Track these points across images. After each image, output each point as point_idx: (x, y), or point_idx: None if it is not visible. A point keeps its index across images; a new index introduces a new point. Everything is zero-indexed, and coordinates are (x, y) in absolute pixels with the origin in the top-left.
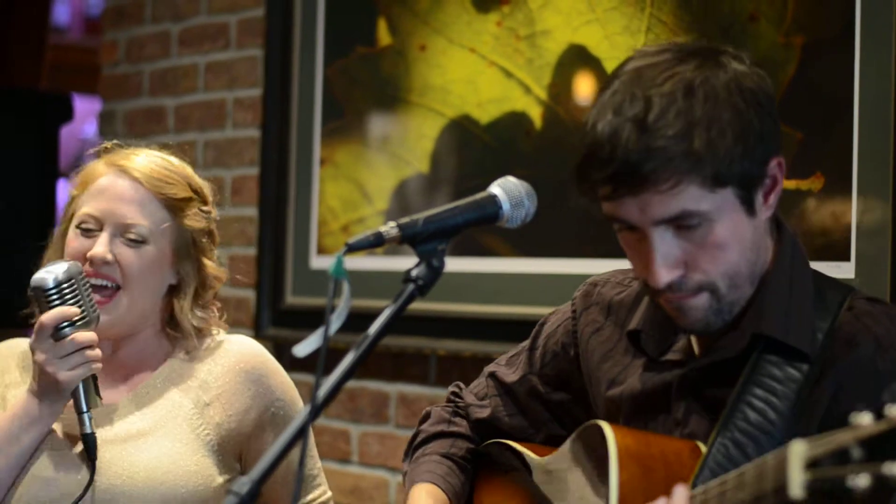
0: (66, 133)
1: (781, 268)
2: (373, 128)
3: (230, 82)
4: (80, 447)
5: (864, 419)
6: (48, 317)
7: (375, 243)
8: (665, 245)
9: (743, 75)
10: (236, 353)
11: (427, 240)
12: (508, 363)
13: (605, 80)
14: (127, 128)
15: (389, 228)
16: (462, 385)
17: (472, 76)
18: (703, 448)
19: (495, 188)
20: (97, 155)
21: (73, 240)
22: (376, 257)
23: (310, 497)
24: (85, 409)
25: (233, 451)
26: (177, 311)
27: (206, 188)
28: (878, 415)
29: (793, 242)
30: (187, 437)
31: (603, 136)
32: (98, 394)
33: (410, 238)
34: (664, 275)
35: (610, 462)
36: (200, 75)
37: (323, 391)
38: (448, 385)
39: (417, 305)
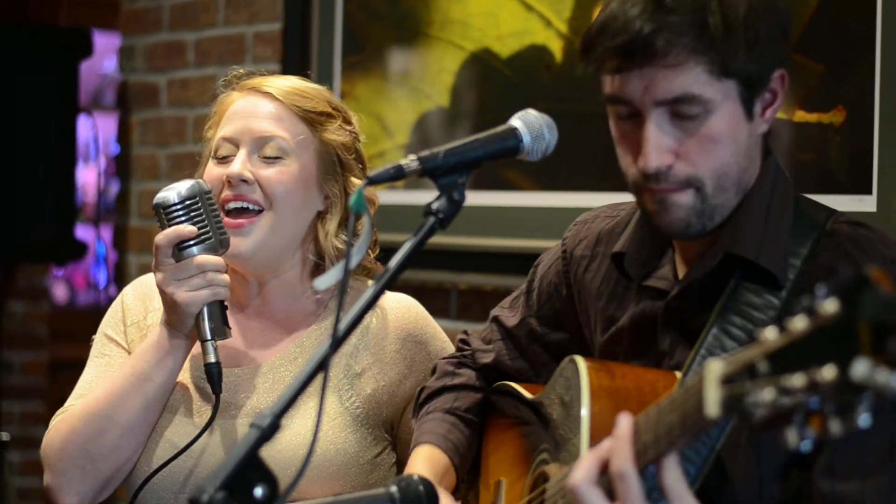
0: (86, 68)
1: (762, 190)
2: (393, 62)
3: (250, 17)
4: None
5: (770, 334)
6: (162, 235)
7: (396, 176)
8: (661, 129)
9: None
10: (393, 316)
11: (447, 173)
12: (510, 306)
13: None
14: (147, 62)
15: (410, 161)
16: (469, 332)
17: (492, 9)
18: (679, 377)
19: (516, 121)
20: (228, 85)
21: (211, 170)
22: (396, 191)
23: None
24: (209, 336)
25: (384, 422)
26: (321, 236)
27: (349, 110)
28: (782, 329)
29: (777, 167)
30: (335, 410)
31: (617, 9)
32: (226, 323)
33: (431, 171)
34: (655, 158)
35: (582, 395)
36: (220, 9)
37: (344, 324)
38: (469, 319)
39: (438, 239)
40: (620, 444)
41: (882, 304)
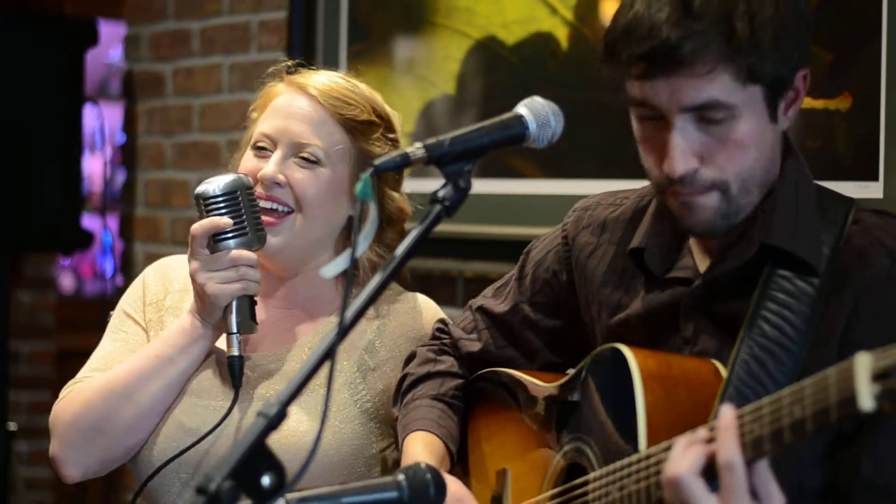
0: (92, 58)
1: (788, 182)
2: (398, 50)
3: (255, 5)
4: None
5: None
6: (198, 225)
7: (402, 164)
8: (686, 134)
9: None
10: (413, 316)
11: (453, 160)
12: (496, 294)
13: None
14: (152, 51)
15: (416, 149)
16: (448, 321)
17: None
18: (719, 366)
19: (522, 108)
20: (278, 74)
21: (248, 160)
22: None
23: None
24: (235, 329)
25: (393, 419)
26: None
27: (394, 118)
28: None
29: (797, 158)
30: (344, 402)
31: (642, 14)
32: (254, 319)
33: (437, 158)
34: (681, 164)
35: (634, 385)
36: None
37: (350, 312)
38: None
39: (444, 227)
40: (728, 436)
41: None
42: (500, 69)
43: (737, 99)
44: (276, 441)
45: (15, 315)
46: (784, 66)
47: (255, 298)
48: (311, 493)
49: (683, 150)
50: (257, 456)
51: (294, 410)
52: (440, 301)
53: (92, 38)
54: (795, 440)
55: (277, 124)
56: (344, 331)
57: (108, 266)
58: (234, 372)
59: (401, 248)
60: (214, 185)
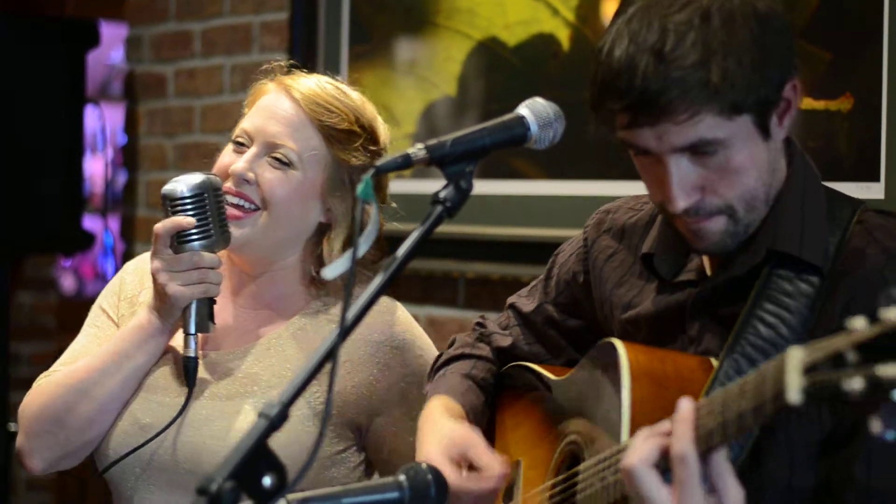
0: (93, 59)
1: (795, 185)
2: (400, 51)
3: (256, 6)
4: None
5: (859, 323)
6: (162, 225)
7: (403, 165)
8: (681, 171)
9: None
10: (373, 319)
11: (455, 161)
12: (528, 294)
13: (620, 4)
14: (154, 53)
15: (417, 150)
16: (486, 316)
17: None
18: (716, 363)
19: (523, 109)
20: (272, 73)
21: (226, 154)
22: (404, 180)
23: None
24: (192, 330)
25: (349, 422)
26: (325, 253)
27: (380, 130)
28: (873, 319)
29: (803, 159)
30: (298, 403)
31: (621, 66)
32: (212, 319)
33: (438, 159)
34: (681, 200)
35: (622, 379)
36: None
37: (352, 313)
38: (477, 308)
39: (446, 228)
40: (682, 428)
41: None
42: (502, 70)
43: (725, 132)
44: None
45: (16, 316)
46: (768, 88)
47: (215, 299)
48: (311, 494)
49: (682, 186)
50: (258, 456)
51: (248, 409)
52: (442, 302)
53: (93, 40)
54: (740, 433)
55: (257, 122)
56: (345, 332)
57: (110, 267)
58: (188, 372)
59: (402, 249)
60: (182, 184)
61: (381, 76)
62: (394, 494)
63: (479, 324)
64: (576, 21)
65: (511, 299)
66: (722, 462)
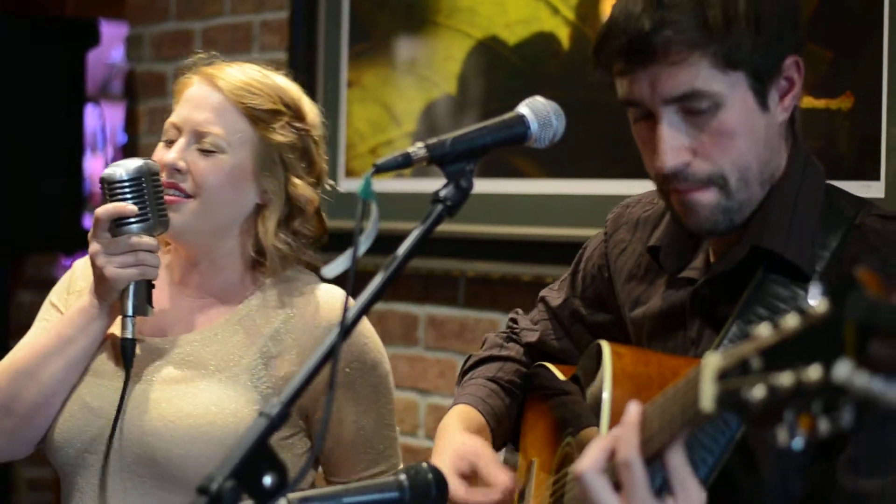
0: (93, 58)
1: (791, 180)
2: (400, 50)
3: (257, 5)
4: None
5: (764, 330)
6: (102, 210)
7: (403, 164)
8: (673, 128)
9: None
10: (319, 305)
11: (455, 160)
12: (558, 287)
13: None
14: (154, 52)
15: (417, 149)
16: (521, 311)
17: None
18: None
19: (523, 108)
20: (193, 67)
21: (158, 150)
22: (404, 179)
23: (378, 469)
24: (130, 312)
25: (298, 407)
26: (260, 233)
27: (307, 107)
28: (775, 325)
29: (806, 156)
30: (245, 386)
31: (620, 13)
32: (150, 303)
33: (438, 158)
34: (670, 158)
35: (604, 380)
36: None
37: (352, 313)
38: (477, 307)
39: (446, 227)
40: (626, 433)
41: (866, 306)
42: (502, 69)
43: (718, 86)
44: (171, 417)
45: (16, 316)
46: (766, 52)
47: (153, 283)
48: (312, 493)
49: (672, 144)
50: (259, 455)
51: (194, 389)
52: (442, 301)
53: (93, 39)
54: (673, 439)
55: (183, 113)
56: (346, 331)
57: None
58: (126, 354)
59: (402, 248)
60: (121, 169)
61: (381, 75)
62: (394, 494)
63: (512, 319)
64: (576, 20)
65: (543, 292)
66: (677, 463)
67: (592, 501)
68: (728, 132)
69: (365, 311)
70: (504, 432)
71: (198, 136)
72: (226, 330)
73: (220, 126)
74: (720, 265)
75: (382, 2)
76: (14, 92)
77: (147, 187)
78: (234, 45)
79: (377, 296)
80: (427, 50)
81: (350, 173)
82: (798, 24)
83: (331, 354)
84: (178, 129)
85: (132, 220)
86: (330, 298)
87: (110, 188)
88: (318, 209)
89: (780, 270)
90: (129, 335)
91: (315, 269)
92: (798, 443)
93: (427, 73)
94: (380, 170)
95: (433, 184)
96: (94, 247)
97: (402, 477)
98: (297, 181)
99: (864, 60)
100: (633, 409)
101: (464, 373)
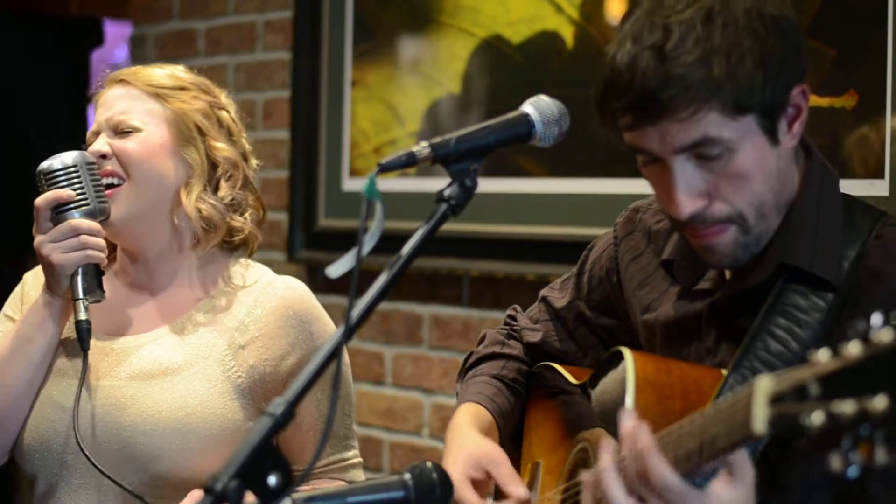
0: (97, 58)
1: (809, 195)
2: (404, 49)
3: (260, 5)
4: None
5: (823, 356)
6: (41, 198)
7: (408, 163)
8: (686, 175)
9: (764, 1)
10: (280, 296)
11: (459, 159)
12: (560, 287)
13: (628, 10)
14: (158, 52)
15: (422, 148)
16: (519, 308)
17: None
18: (726, 374)
19: (528, 107)
20: (104, 81)
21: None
22: (408, 178)
23: (339, 456)
24: (80, 295)
25: (265, 395)
26: (184, 202)
27: (210, 84)
28: (836, 352)
29: (822, 168)
30: (218, 378)
31: (622, 65)
32: (101, 287)
33: (443, 157)
34: (686, 205)
35: (626, 388)
36: None
37: (356, 312)
38: (481, 306)
39: (450, 226)
40: (653, 461)
41: None
42: (506, 68)
43: (730, 133)
44: (145, 408)
45: None
46: (773, 90)
47: (102, 268)
48: (316, 493)
49: (686, 191)
50: (263, 455)
51: (167, 385)
52: (446, 300)
53: (97, 39)
54: (713, 458)
55: (98, 117)
56: (350, 330)
57: None
58: (81, 335)
59: (406, 248)
60: (56, 160)
61: (385, 74)
62: (399, 493)
63: (510, 316)
64: (580, 18)
65: (543, 292)
66: (654, 462)
67: None
68: (742, 175)
69: (369, 310)
70: (509, 428)
71: (114, 126)
72: (192, 325)
73: (132, 110)
74: (744, 282)
75: (386, 1)
76: (17, 91)
77: (83, 174)
78: (238, 45)
79: (381, 295)
80: (431, 49)
81: (354, 173)
82: (800, 48)
83: (335, 354)
84: (98, 132)
85: (72, 205)
86: (288, 289)
87: (47, 178)
88: (249, 181)
89: (800, 281)
90: (82, 317)
91: (254, 250)
92: (854, 470)
93: (431, 73)
94: (384, 169)
95: (437, 183)
96: (38, 238)
97: (407, 476)
98: (216, 144)
99: (868, 58)
100: (644, 439)
101: (466, 369)
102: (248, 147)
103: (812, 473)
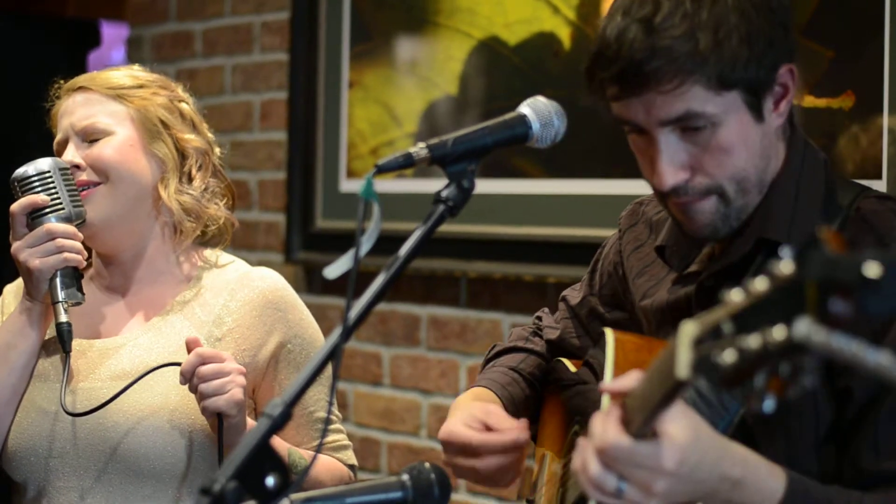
0: (94, 59)
1: (790, 172)
2: (401, 50)
3: (257, 6)
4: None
5: (735, 295)
6: (15, 205)
7: (405, 164)
8: (670, 147)
9: None
10: (256, 287)
11: (457, 160)
12: (578, 286)
13: None
14: (154, 53)
15: (419, 149)
16: (548, 310)
17: None
18: None
19: (525, 108)
20: (56, 95)
21: None
22: (406, 179)
23: (331, 438)
24: (60, 298)
25: (246, 386)
26: (163, 197)
27: (168, 80)
28: (746, 290)
29: (804, 145)
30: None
31: (610, 37)
32: (80, 290)
33: (440, 159)
34: (669, 176)
35: (606, 367)
36: None
37: (354, 313)
38: (479, 307)
39: (448, 227)
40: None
41: (826, 262)
42: (503, 69)
43: (714, 107)
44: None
45: None
46: (758, 67)
47: (81, 271)
48: (315, 494)
49: (670, 163)
50: (261, 456)
51: (154, 385)
52: (444, 301)
53: (94, 40)
54: (652, 415)
55: (62, 126)
56: (348, 331)
57: None
58: (62, 337)
59: (404, 249)
60: (30, 167)
61: (382, 75)
62: (397, 494)
63: (538, 317)
64: (576, 19)
65: (564, 292)
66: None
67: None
68: (725, 148)
69: (367, 311)
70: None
71: (81, 133)
72: (168, 321)
73: (97, 114)
74: (725, 258)
75: (383, 2)
76: (14, 92)
77: (56, 180)
78: (235, 46)
79: (379, 296)
80: (428, 50)
81: (351, 174)
82: (789, 28)
83: (333, 354)
84: (65, 142)
85: (47, 210)
86: (264, 280)
87: (21, 185)
88: (217, 168)
89: (778, 255)
90: (62, 319)
91: (230, 241)
92: (769, 405)
93: (428, 74)
94: (381, 170)
95: (435, 184)
96: (15, 245)
97: (405, 477)
98: (184, 136)
99: (864, 59)
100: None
101: (487, 360)
102: (211, 136)
103: (796, 446)
